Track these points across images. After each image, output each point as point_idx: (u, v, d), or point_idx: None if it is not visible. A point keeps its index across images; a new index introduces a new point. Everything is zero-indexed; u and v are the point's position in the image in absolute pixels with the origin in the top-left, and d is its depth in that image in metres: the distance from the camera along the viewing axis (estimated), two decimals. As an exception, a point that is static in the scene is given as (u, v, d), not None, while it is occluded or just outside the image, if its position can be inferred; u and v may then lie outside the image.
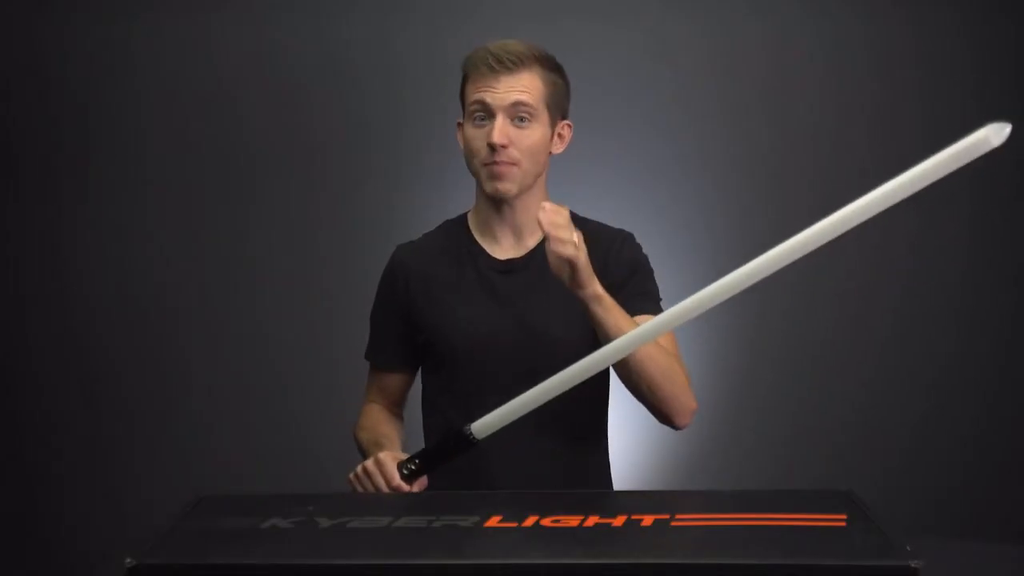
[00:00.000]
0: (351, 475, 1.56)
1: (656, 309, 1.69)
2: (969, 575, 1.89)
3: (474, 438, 1.50)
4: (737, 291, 1.39)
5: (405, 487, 1.53)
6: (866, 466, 3.10)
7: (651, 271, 1.74)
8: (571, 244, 1.50)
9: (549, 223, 1.49)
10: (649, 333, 1.43)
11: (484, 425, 1.49)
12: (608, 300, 1.55)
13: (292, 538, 1.19)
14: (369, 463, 1.55)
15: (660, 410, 1.64)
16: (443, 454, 1.55)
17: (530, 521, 1.20)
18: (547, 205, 1.51)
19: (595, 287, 1.54)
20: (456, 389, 1.68)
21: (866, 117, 3.13)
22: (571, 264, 1.51)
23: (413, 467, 1.54)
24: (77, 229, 3.20)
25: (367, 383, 1.82)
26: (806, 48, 3.17)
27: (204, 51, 3.17)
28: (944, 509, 3.08)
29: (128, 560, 1.11)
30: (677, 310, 1.38)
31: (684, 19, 3.17)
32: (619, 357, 1.47)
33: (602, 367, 1.46)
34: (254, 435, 3.16)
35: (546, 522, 1.20)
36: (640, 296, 1.67)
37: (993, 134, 1.24)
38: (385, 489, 1.52)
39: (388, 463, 1.53)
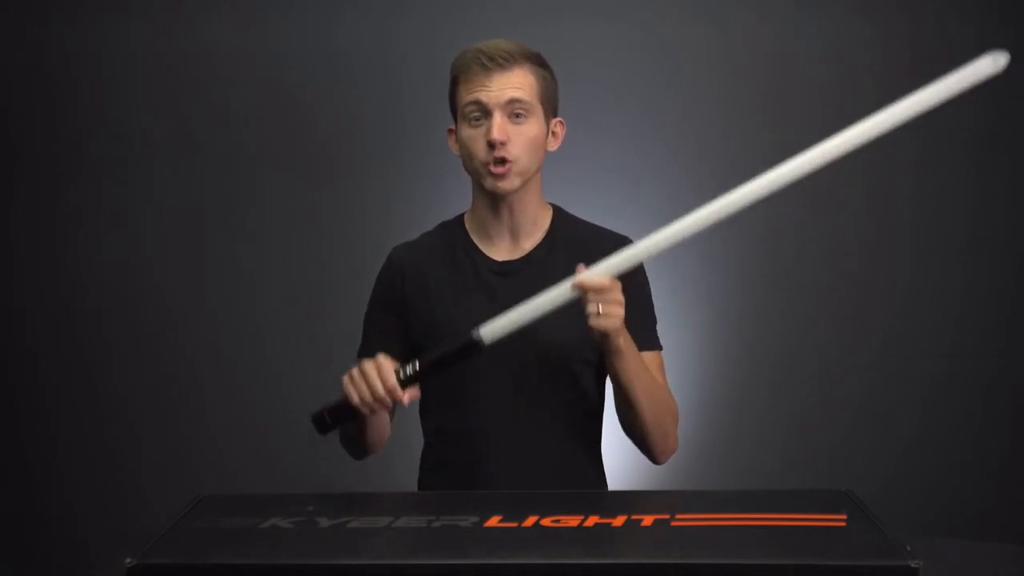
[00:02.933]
0: (345, 376, 1.53)
1: (655, 342, 1.71)
2: (969, 575, 1.90)
3: (482, 343, 1.49)
4: (730, 213, 1.47)
5: (399, 391, 1.50)
6: (866, 466, 3.11)
7: (649, 291, 1.74)
8: (618, 316, 1.50)
9: (598, 290, 1.47)
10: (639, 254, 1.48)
11: (493, 329, 1.49)
12: (627, 352, 1.56)
13: (292, 538, 1.19)
14: (367, 363, 1.51)
15: (645, 447, 1.68)
16: (447, 358, 1.52)
17: (530, 521, 1.20)
18: (600, 280, 1.47)
19: (619, 342, 1.54)
20: (451, 390, 1.67)
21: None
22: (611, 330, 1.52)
23: (412, 372, 1.51)
24: (77, 229, 3.20)
25: None
26: (806, 48, 3.17)
27: (204, 51, 3.17)
28: (944, 509, 3.08)
29: (128, 560, 1.11)
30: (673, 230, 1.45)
31: (684, 19, 3.18)
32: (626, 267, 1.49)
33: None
34: (254, 435, 3.16)
35: (546, 522, 1.20)
36: (641, 327, 1.65)
37: (990, 61, 1.36)
38: (380, 389, 1.49)
39: (386, 364, 1.51)
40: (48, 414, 3.21)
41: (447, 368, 1.54)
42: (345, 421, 1.57)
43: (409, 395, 1.52)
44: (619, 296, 1.49)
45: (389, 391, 1.50)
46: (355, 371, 1.52)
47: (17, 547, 3.13)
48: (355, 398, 1.52)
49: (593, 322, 1.49)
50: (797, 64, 3.17)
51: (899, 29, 3.16)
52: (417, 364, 1.51)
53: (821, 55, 3.16)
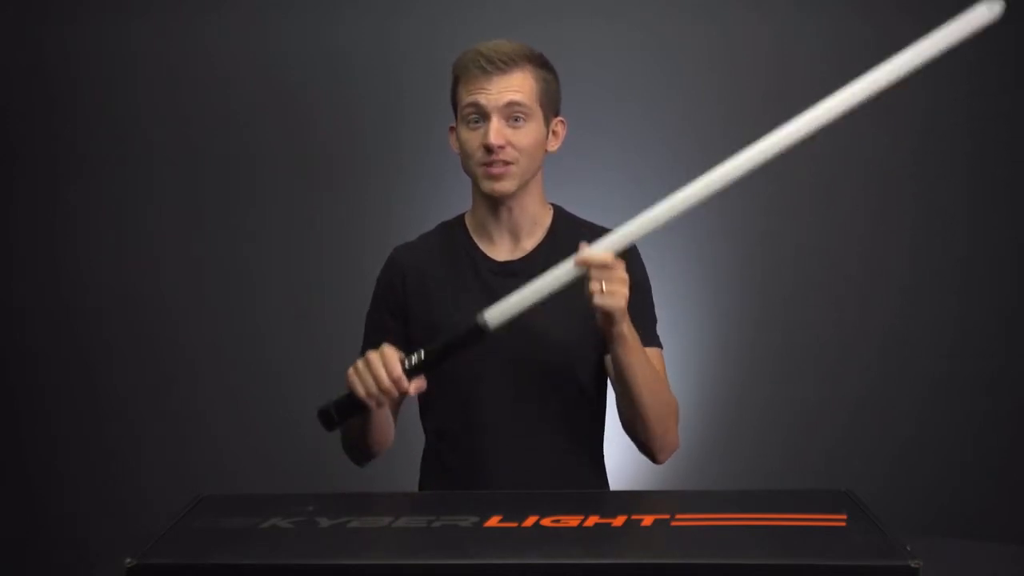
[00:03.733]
0: (350, 369, 1.50)
1: (655, 339, 1.70)
2: (969, 575, 1.89)
3: (487, 327, 1.46)
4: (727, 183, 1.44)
5: (405, 382, 1.48)
6: (865, 466, 3.11)
7: (649, 288, 1.72)
8: (622, 296, 1.47)
9: (600, 267, 1.45)
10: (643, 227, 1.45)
11: (497, 313, 1.46)
12: (630, 339, 1.54)
13: (292, 538, 1.19)
14: (372, 353, 1.49)
15: (645, 444, 1.66)
16: (452, 345, 1.50)
17: (530, 521, 1.20)
18: (603, 256, 1.44)
19: (622, 327, 1.51)
20: (452, 390, 1.67)
21: (866, 117, 3.12)
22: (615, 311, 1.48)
23: (417, 361, 1.48)
24: (77, 229, 3.20)
25: None
26: (806, 48, 3.17)
27: (204, 51, 3.17)
28: (944, 509, 3.08)
29: (128, 560, 1.11)
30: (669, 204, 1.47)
31: (684, 19, 3.17)
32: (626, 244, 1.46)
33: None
34: (254, 435, 3.16)
35: (546, 522, 1.20)
36: (641, 326, 1.63)
37: (985, 10, 1.37)
38: (385, 379, 1.46)
39: (391, 354, 1.48)
40: (48, 414, 3.20)
41: (453, 355, 1.50)
42: (352, 415, 1.54)
43: (415, 385, 1.49)
44: (623, 274, 1.46)
45: (395, 381, 1.47)
46: (360, 363, 1.49)
47: (17, 547, 3.13)
48: (360, 390, 1.49)
49: (597, 300, 1.45)
50: (797, 64, 3.17)
51: (899, 29, 3.12)
52: (423, 353, 1.49)
53: (821, 55, 3.16)
